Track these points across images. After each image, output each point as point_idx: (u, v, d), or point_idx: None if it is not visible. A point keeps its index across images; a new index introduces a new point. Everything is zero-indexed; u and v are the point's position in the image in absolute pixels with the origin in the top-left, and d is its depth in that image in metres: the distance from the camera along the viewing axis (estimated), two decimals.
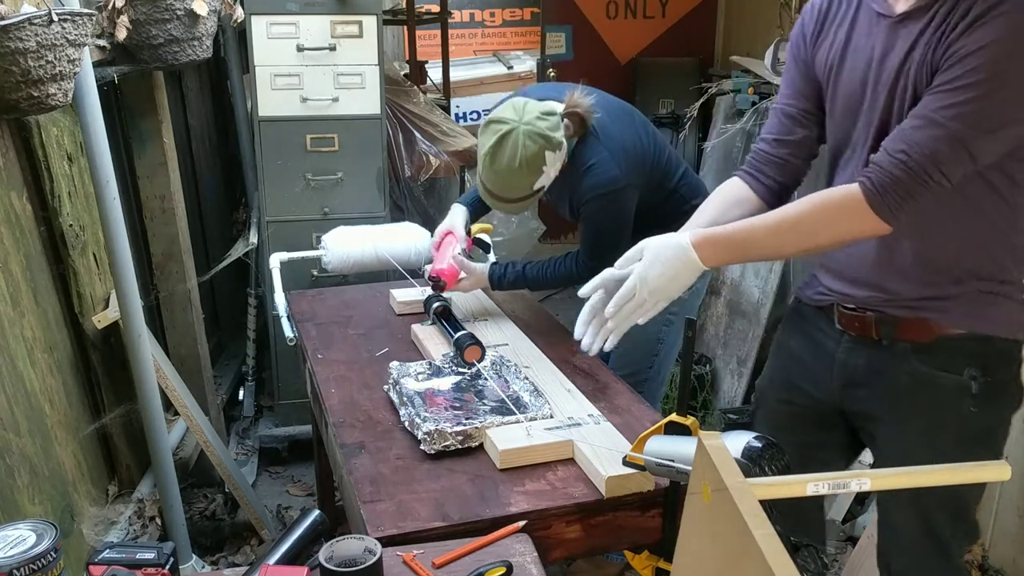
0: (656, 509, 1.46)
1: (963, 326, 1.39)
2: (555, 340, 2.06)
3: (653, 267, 1.41)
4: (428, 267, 2.15)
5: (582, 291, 1.52)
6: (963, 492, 1.49)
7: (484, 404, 1.66)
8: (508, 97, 2.20)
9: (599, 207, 1.99)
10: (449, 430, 1.53)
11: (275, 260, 2.43)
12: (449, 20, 4.18)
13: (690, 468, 1.08)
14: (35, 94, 1.61)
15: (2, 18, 1.49)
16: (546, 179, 1.92)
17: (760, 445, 1.21)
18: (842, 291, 1.49)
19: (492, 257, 2.39)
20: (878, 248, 1.41)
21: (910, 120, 1.25)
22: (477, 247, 2.35)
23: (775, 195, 1.57)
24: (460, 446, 1.53)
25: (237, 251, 3.17)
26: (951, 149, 1.22)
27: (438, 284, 2.09)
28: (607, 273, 1.49)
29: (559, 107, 1.97)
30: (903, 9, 1.30)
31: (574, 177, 1.97)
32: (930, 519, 1.49)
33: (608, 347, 1.52)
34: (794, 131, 1.53)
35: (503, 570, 1.20)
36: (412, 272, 2.35)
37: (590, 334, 1.51)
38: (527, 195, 1.95)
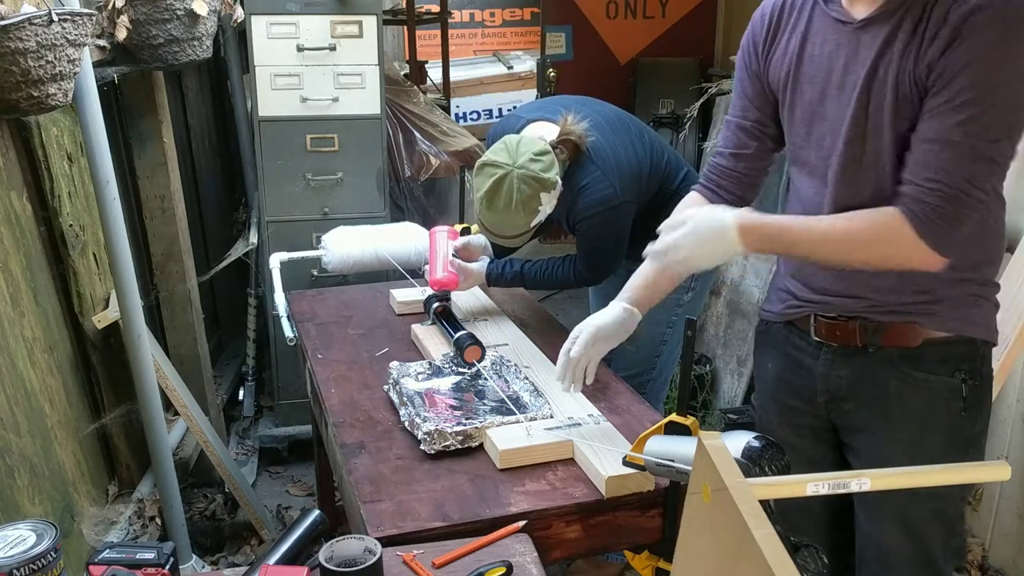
0: (656, 509, 1.46)
1: (950, 329, 1.38)
2: (555, 340, 2.05)
3: (689, 236, 1.38)
4: (426, 267, 2.15)
5: (557, 378, 1.62)
6: (953, 505, 1.47)
7: (484, 404, 1.66)
8: (504, 120, 2.20)
9: (594, 225, 2.00)
10: (449, 430, 1.53)
11: (275, 260, 2.43)
12: (449, 20, 4.18)
13: (690, 468, 1.08)
14: (35, 94, 1.61)
15: (2, 18, 1.49)
16: (542, 216, 1.94)
17: (760, 445, 1.21)
18: (820, 300, 1.46)
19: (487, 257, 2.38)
20: None
21: (926, 145, 1.24)
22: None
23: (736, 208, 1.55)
24: (460, 446, 1.53)
25: (237, 251, 3.18)
26: (978, 163, 1.22)
27: (445, 295, 2.09)
28: (565, 361, 1.58)
29: (553, 133, 1.97)
30: (864, 15, 1.29)
31: (569, 197, 1.98)
32: (922, 538, 1.47)
33: (589, 381, 1.60)
34: (749, 144, 1.52)
35: (503, 570, 1.20)
36: (412, 272, 2.34)
37: (568, 377, 1.59)
38: (524, 231, 1.98)
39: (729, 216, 1.37)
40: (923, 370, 1.40)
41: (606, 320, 1.58)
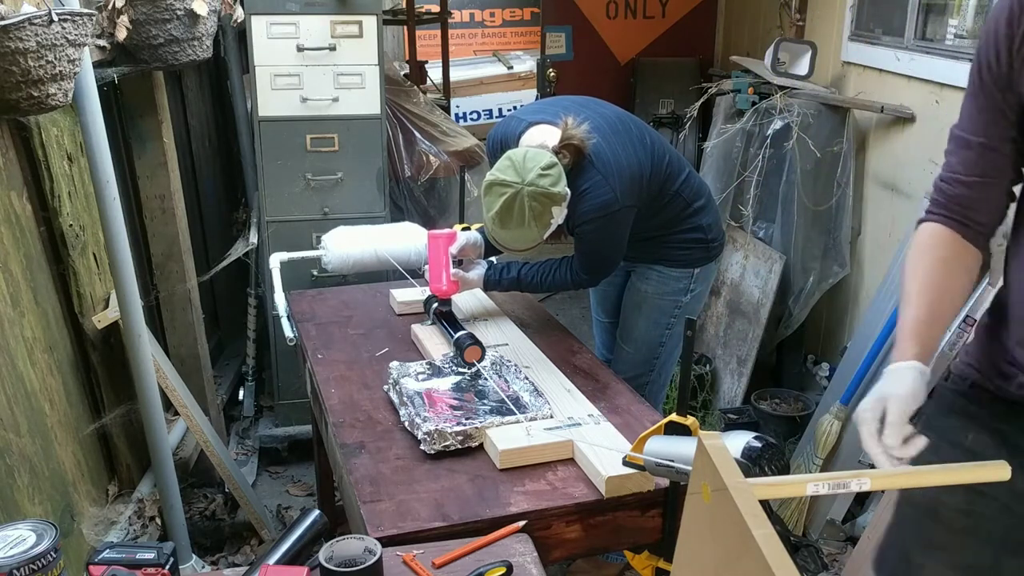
0: (656, 509, 1.46)
1: None
2: (555, 340, 2.06)
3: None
4: (426, 268, 2.14)
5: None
6: None
7: (484, 404, 1.66)
8: (505, 122, 2.18)
9: (594, 229, 1.99)
10: (449, 430, 1.53)
11: (275, 260, 2.42)
12: (449, 20, 4.18)
13: (690, 468, 1.08)
14: (35, 94, 1.61)
15: (2, 18, 1.49)
16: (554, 226, 1.94)
17: (760, 445, 1.22)
18: None
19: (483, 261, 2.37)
20: None
21: None
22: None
23: (987, 239, 1.33)
24: (460, 446, 1.53)
25: (237, 251, 3.18)
26: None
27: (445, 302, 2.09)
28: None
29: (554, 137, 1.96)
30: None
31: (570, 202, 1.97)
32: None
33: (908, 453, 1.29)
34: (1003, 168, 1.27)
35: (503, 570, 1.20)
36: (412, 272, 2.34)
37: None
38: (537, 243, 1.98)
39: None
40: None
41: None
